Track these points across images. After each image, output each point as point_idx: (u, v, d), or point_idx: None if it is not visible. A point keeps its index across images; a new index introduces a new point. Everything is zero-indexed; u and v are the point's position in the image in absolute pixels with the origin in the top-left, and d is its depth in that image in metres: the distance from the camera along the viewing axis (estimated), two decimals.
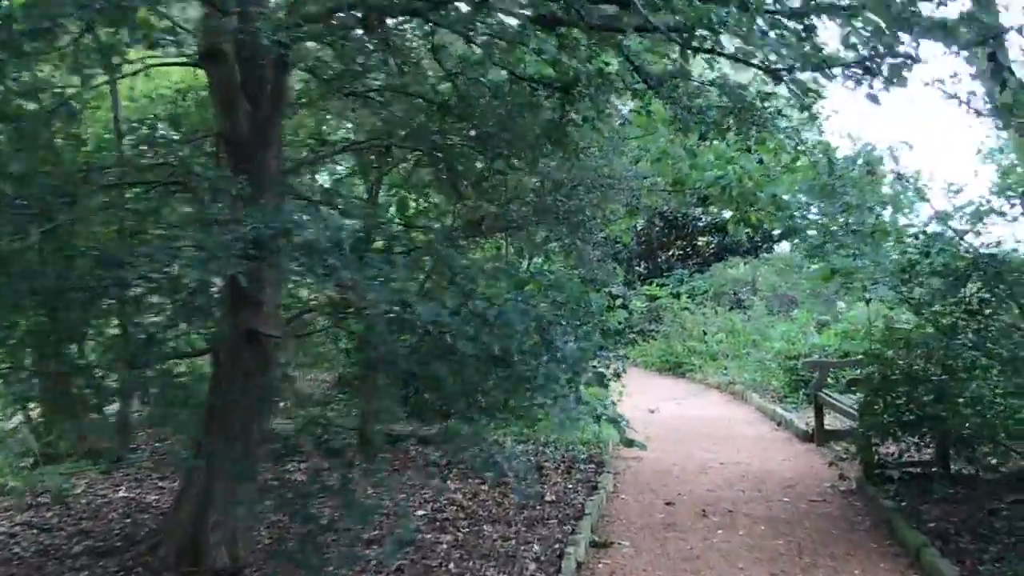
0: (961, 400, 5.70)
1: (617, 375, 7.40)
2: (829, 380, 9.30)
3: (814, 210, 9.96)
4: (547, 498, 6.62)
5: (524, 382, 3.23)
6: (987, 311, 5.59)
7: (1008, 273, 5.23)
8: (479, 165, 6.13)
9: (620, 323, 9.12)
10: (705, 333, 15.69)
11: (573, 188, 7.17)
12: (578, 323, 5.65)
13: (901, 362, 6.29)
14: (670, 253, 24.96)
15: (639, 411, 11.51)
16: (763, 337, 14.66)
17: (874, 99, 4.41)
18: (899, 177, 7.70)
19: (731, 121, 7.84)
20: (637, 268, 23.85)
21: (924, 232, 6.30)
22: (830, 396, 8.54)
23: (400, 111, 5.16)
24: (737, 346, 14.74)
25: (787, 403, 11.06)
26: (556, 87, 4.78)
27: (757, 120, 5.36)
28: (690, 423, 10.47)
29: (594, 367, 6.74)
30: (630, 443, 8.36)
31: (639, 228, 24.38)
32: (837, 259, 8.50)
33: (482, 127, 4.91)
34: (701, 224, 23.20)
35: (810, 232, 20.34)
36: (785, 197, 8.88)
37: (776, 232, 23.88)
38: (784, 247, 24.61)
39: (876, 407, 6.31)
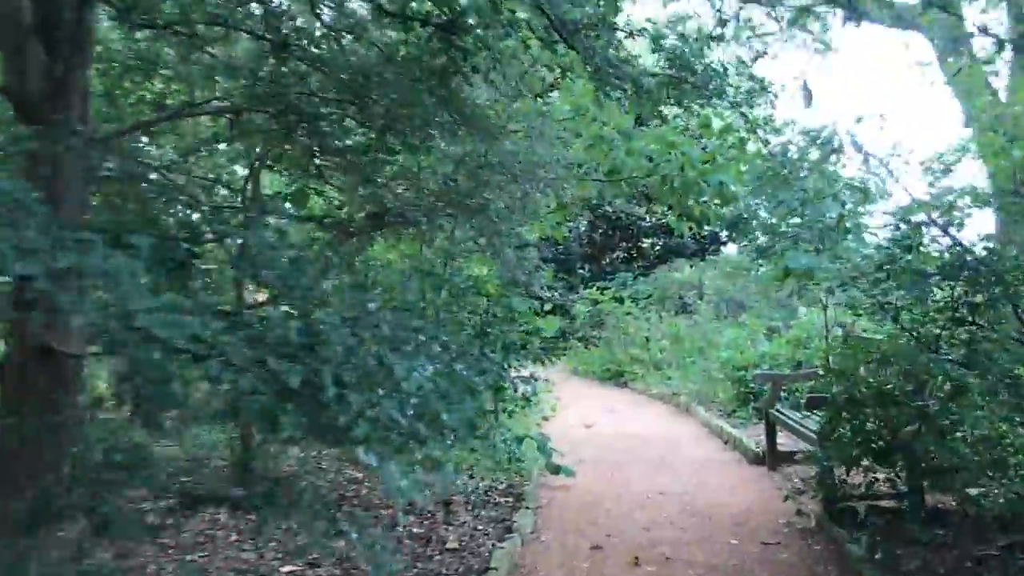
0: (945, 426, 4.68)
1: (527, 399, 6.20)
2: (782, 394, 8.29)
3: (764, 203, 8.93)
4: (449, 544, 5.46)
5: (331, 430, 2.10)
6: (979, 320, 4.55)
7: (1009, 273, 4.18)
8: (360, 139, 4.95)
9: (557, 332, 8.02)
10: (648, 340, 14.68)
11: (478, 169, 6.01)
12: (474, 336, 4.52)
13: (871, 379, 5.25)
14: (614, 255, 24.02)
15: (574, 426, 10.45)
16: (709, 344, 13.69)
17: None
18: (867, 159, 6.67)
19: (669, 91, 6.78)
20: (581, 271, 22.87)
21: (905, 221, 5.24)
22: (784, 414, 7.52)
23: (240, 56, 3.98)
24: (682, 354, 13.74)
25: (736, 418, 10.05)
26: (437, 25, 3.62)
27: (700, 82, 4.27)
28: (629, 441, 9.38)
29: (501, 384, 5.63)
30: (556, 470, 7.23)
31: (582, 230, 23.42)
32: (793, 258, 7.44)
33: (336, 76, 3.74)
34: (646, 225, 22.29)
35: (756, 231, 19.46)
36: (733, 187, 7.85)
37: (724, 233, 23.13)
38: (731, 249, 23.87)
39: (840, 432, 5.26)
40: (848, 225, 7.57)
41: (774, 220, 18.26)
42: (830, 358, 8.05)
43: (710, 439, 9.47)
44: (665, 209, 22.48)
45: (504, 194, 6.65)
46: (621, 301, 17.82)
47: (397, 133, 4.91)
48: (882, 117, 8.41)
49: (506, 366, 7.81)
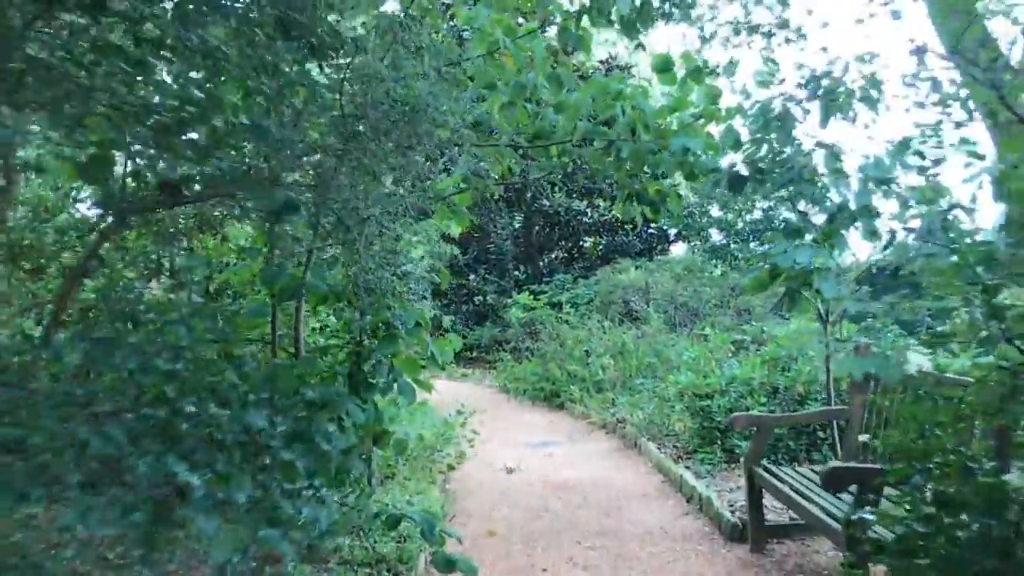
0: None
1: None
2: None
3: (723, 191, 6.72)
4: None
5: None
6: None
7: None
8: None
9: (453, 351, 5.72)
10: (588, 354, 12.42)
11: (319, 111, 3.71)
12: None
13: (967, 454, 3.02)
14: (553, 256, 21.83)
15: (493, 470, 8.15)
16: (660, 359, 11.52)
17: None
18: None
19: None
20: (516, 273, 20.60)
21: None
22: (780, 476, 5.33)
23: None
24: (628, 372, 11.54)
25: (698, 460, 7.84)
26: None
27: None
28: (561, 496, 7.11)
29: None
30: (450, 565, 4.91)
31: (516, 226, 21.15)
32: (783, 254, 5.28)
33: None
34: (588, 221, 20.13)
35: (708, 226, 17.31)
36: (702, 155, 5.63)
37: (672, 231, 21.09)
38: (680, 248, 21.83)
39: (922, 547, 3.01)
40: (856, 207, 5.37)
41: (730, 214, 16.11)
42: (835, 387, 5.89)
43: (668, 493, 7.23)
44: (608, 200, 20.34)
45: (372, 156, 4.34)
46: (558, 307, 15.58)
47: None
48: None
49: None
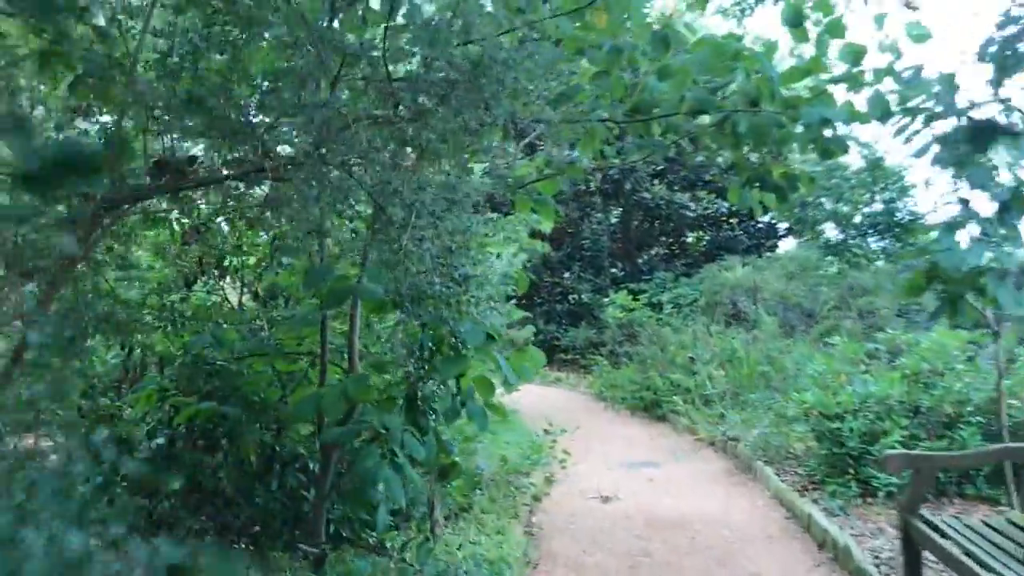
0: None
1: None
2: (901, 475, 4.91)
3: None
4: None
5: None
6: None
7: None
8: None
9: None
10: (694, 360, 11.28)
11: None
12: None
13: None
14: (653, 252, 20.63)
15: (585, 497, 7.18)
16: (774, 367, 10.30)
17: None
18: None
19: None
20: (613, 270, 19.52)
21: None
22: (947, 533, 4.18)
23: None
24: (739, 382, 10.36)
25: (828, 493, 6.67)
26: None
27: None
28: (665, 536, 6.07)
29: None
30: None
31: (613, 221, 20.04)
32: (949, 253, 4.15)
33: None
34: (690, 215, 18.88)
35: (822, 220, 15.85)
36: (844, 130, 4.53)
37: (781, 225, 19.58)
38: (790, 244, 20.30)
39: None
40: None
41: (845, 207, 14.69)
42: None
43: (792, 534, 6.10)
44: (713, 193, 19.00)
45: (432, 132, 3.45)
46: (658, 307, 14.45)
47: None
48: None
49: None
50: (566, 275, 18.97)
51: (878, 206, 17.12)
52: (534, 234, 13.09)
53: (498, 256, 10.95)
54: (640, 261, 20.06)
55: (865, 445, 6.67)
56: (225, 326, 5.14)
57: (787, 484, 7.13)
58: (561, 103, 4.95)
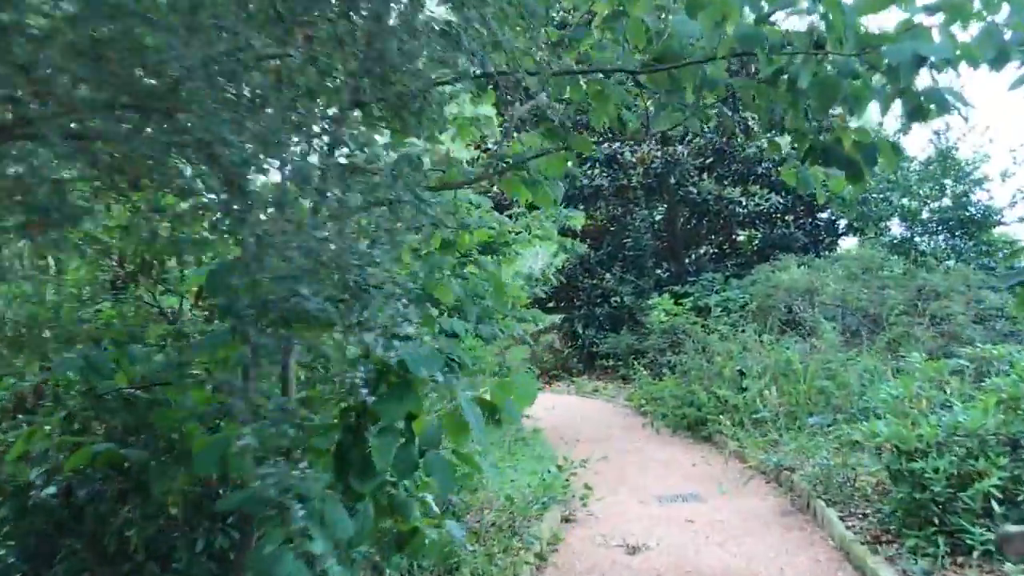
0: None
1: None
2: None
3: None
4: None
5: None
6: None
7: None
8: None
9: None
10: (743, 375, 9.96)
11: None
12: None
13: None
14: (701, 251, 19.26)
15: (610, 545, 6.01)
16: (835, 382, 8.97)
17: None
18: None
19: None
20: (658, 271, 18.20)
21: None
22: None
23: None
24: (795, 399, 9.03)
25: (907, 548, 5.36)
26: None
27: None
28: None
29: None
30: None
31: (657, 218, 18.71)
32: None
33: None
34: (741, 211, 17.48)
35: (886, 214, 14.30)
36: (940, 77, 3.28)
37: (842, 221, 18.06)
38: (851, 242, 18.77)
39: None
40: None
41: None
42: None
43: None
44: (766, 188, 17.60)
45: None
46: (706, 311, 13.12)
47: None
48: None
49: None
50: (607, 276, 17.69)
51: (947, 201, 15.58)
52: (565, 231, 11.88)
53: (514, 256, 9.77)
54: (687, 261, 18.72)
55: (953, 489, 5.35)
56: (138, 345, 4.05)
57: (854, 532, 5.84)
58: (561, 53, 3.80)
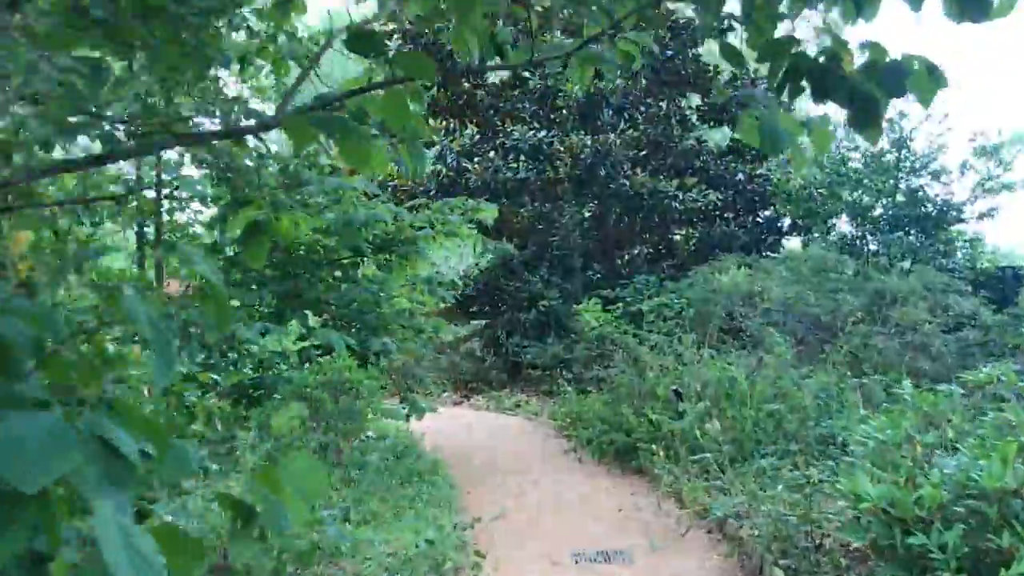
0: None
1: None
2: None
3: None
4: None
5: None
6: None
7: None
8: None
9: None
10: (679, 395, 8.47)
11: None
12: None
13: None
14: (635, 252, 17.86)
15: None
16: (787, 404, 7.59)
17: None
18: None
19: None
20: (587, 273, 16.74)
21: None
22: None
23: None
24: (741, 426, 7.59)
25: None
26: None
27: None
28: None
29: None
30: None
31: (586, 214, 17.24)
32: None
33: None
34: (678, 208, 16.10)
35: (833, 212, 13.12)
36: None
37: (785, 220, 16.85)
38: (795, 242, 17.58)
39: None
40: None
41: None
42: None
43: None
44: (701, 185, 16.28)
45: None
46: (638, 318, 11.66)
47: None
48: None
49: None
50: (533, 279, 16.14)
51: (900, 196, 14.42)
52: (480, 227, 10.29)
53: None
54: (619, 262, 17.31)
55: (967, 574, 3.91)
56: None
57: None
58: None
